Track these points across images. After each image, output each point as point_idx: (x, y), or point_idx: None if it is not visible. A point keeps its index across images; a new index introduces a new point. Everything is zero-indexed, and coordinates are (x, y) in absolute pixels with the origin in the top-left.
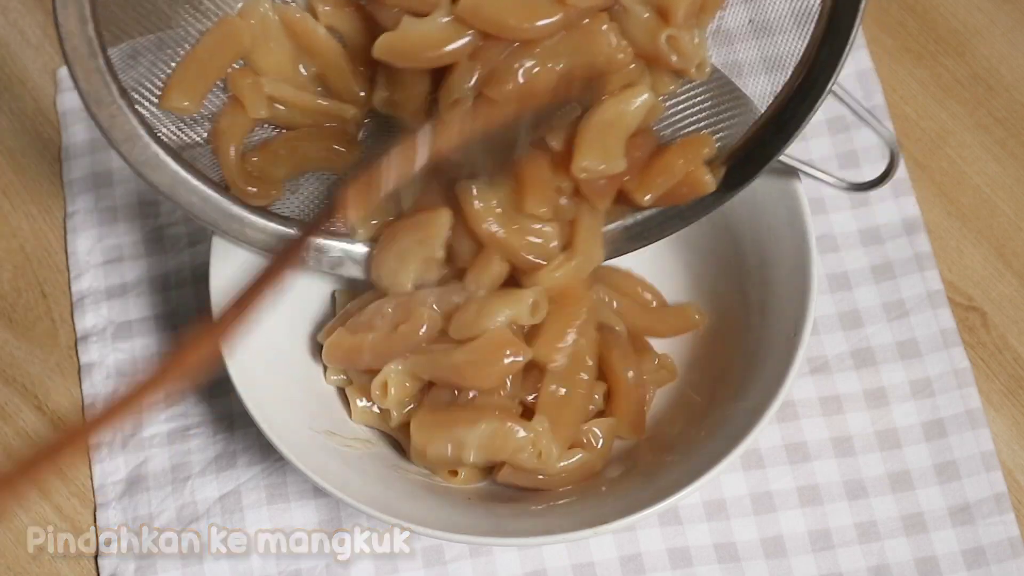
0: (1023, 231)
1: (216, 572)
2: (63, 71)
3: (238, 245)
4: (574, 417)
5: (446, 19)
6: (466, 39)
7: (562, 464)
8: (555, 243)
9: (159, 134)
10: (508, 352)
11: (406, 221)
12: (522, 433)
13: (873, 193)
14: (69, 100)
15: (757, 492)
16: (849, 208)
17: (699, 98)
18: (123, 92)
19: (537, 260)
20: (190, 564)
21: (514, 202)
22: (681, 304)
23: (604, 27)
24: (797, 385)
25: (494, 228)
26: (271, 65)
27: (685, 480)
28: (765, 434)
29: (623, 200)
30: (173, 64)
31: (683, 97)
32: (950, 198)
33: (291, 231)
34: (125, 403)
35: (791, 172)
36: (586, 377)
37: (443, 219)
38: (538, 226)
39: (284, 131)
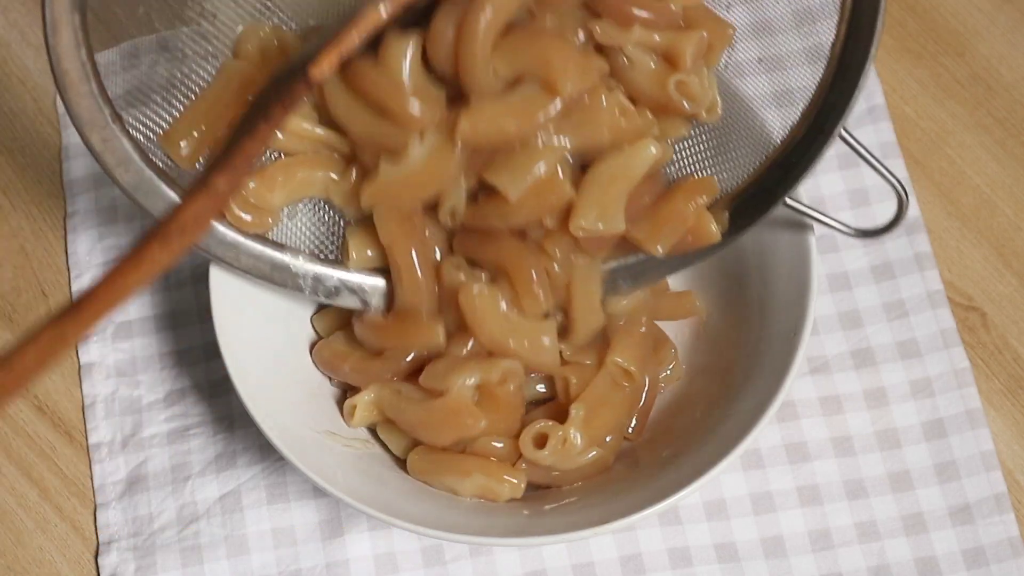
0: (1023, 231)
1: (216, 572)
2: None
3: (233, 273)
4: (606, 421)
5: (425, 148)
6: (454, 162)
7: (579, 460)
8: (552, 336)
9: (152, 157)
10: (462, 423)
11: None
12: (514, 481)
13: (873, 193)
14: None
15: (757, 492)
16: (849, 208)
17: (703, 136)
18: (116, 116)
19: (540, 361)
20: (190, 564)
21: (511, 299)
22: (682, 292)
23: (604, 101)
24: (797, 385)
25: (497, 336)
26: None
27: (685, 480)
28: (765, 434)
29: (628, 246)
30: (171, 91)
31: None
32: (950, 198)
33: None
34: (113, 283)
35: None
36: (627, 387)
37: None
38: (538, 324)
39: (281, 156)
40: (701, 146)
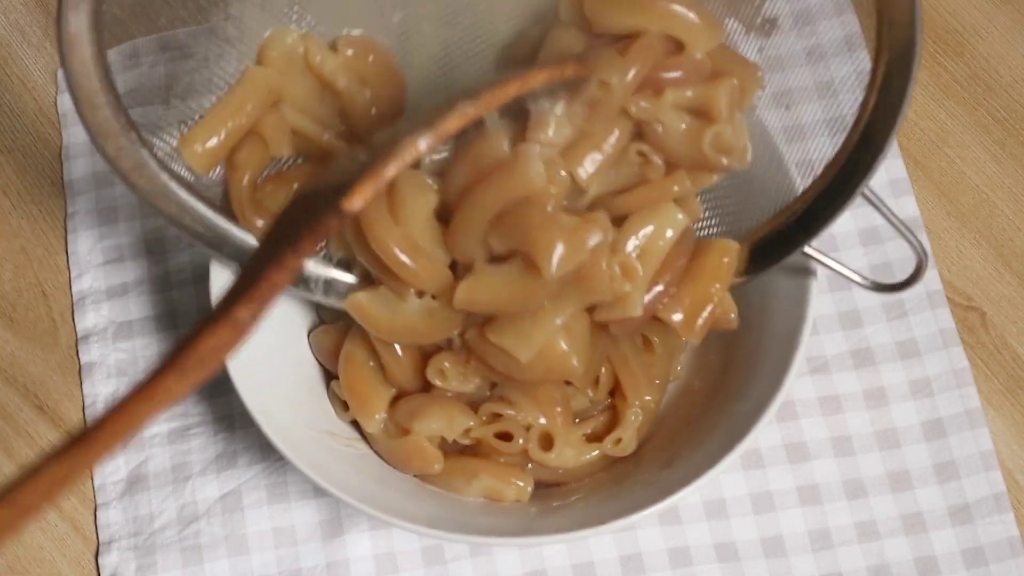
0: (1022, 231)
1: (216, 572)
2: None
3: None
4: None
5: (423, 304)
6: (451, 321)
7: (583, 458)
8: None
9: (168, 162)
10: (422, 463)
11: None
12: (521, 484)
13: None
14: (69, 100)
15: (757, 492)
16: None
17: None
18: (131, 124)
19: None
20: (190, 564)
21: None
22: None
23: (601, 268)
24: (797, 385)
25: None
26: (295, 97)
27: (685, 480)
28: (765, 434)
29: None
30: (190, 95)
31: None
32: (949, 198)
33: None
34: (125, 413)
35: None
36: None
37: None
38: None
39: (298, 160)
40: (723, 192)
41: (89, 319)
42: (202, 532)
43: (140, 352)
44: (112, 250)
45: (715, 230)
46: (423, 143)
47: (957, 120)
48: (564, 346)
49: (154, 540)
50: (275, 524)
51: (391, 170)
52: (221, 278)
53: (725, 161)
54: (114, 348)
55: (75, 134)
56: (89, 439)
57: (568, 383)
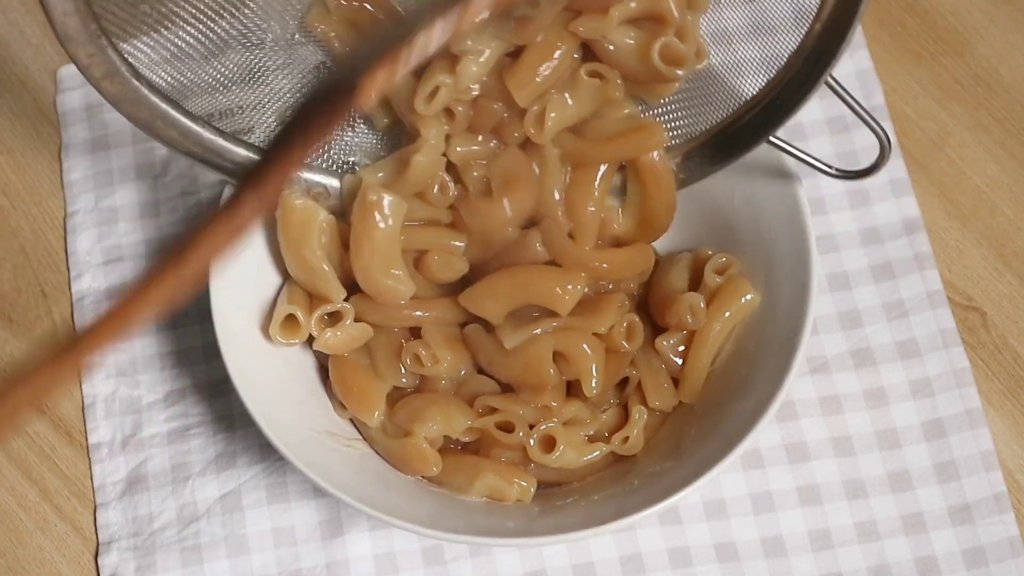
0: (1023, 231)
1: (216, 572)
2: (63, 71)
3: (221, 176)
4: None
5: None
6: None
7: (585, 459)
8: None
9: (140, 69)
10: (421, 465)
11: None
12: (524, 484)
13: (873, 193)
14: (69, 100)
15: (757, 492)
16: (849, 208)
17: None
18: (101, 31)
19: None
20: (190, 564)
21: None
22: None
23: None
24: (797, 385)
25: None
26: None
27: (685, 480)
28: (765, 434)
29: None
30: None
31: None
32: (950, 198)
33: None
34: (115, 317)
35: (791, 174)
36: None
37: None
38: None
39: None
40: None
41: (89, 319)
42: (202, 532)
43: (139, 352)
44: (111, 250)
45: (681, 123)
46: (437, 33)
47: (958, 120)
48: (546, 352)
49: (154, 540)
50: (275, 524)
51: (408, 59)
52: (221, 278)
53: (680, 72)
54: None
55: (75, 134)
56: (88, 334)
57: (580, 395)
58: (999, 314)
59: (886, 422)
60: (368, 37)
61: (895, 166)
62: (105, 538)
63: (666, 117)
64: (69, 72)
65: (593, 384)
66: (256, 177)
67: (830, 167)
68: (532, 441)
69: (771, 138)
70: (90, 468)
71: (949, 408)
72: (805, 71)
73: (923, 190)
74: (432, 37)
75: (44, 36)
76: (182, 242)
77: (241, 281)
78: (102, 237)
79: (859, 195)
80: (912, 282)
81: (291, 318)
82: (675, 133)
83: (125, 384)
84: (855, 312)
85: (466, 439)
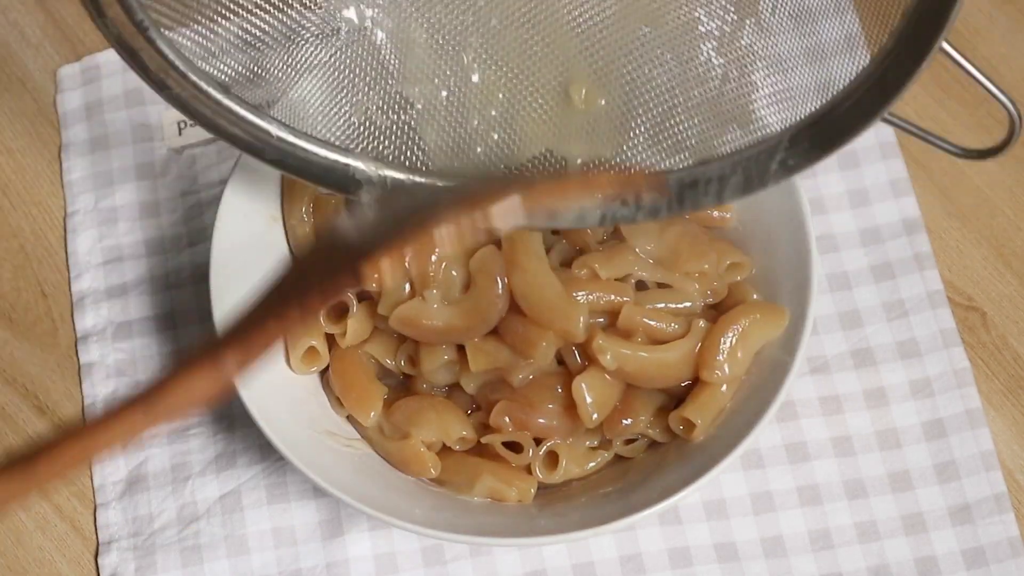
0: (1023, 231)
1: (216, 572)
2: (63, 71)
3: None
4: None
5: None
6: None
7: (590, 465)
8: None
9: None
10: (418, 467)
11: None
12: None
13: (873, 193)
14: (69, 100)
15: (757, 492)
16: (849, 208)
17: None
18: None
19: None
20: (190, 564)
21: None
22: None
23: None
24: (797, 385)
25: None
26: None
27: (685, 480)
28: (765, 434)
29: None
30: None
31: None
32: (950, 198)
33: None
34: (80, 440)
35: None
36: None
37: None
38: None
39: None
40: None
41: (88, 319)
42: (202, 532)
43: (139, 352)
44: (111, 250)
45: (779, 107)
46: (465, 221)
47: (958, 120)
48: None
49: (154, 540)
50: (275, 524)
51: (418, 243)
52: (221, 278)
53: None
54: (113, 348)
55: (75, 134)
56: (40, 460)
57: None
58: (999, 314)
59: (886, 422)
60: (391, 213)
61: (895, 166)
62: (105, 538)
63: (766, 101)
64: (69, 72)
65: (593, 417)
66: (245, 332)
67: (954, 145)
68: (537, 461)
69: (886, 115)
70: (90, 468)
71: (949, 408)
72: (916, 35)
73: (923, 190)
74: (453, 231)
75: (44, 36)
76: (158, 382)
77: (241, 281)
78: (102, 237)
79: (859, 195)
80: (912, 282)
81: (311, 349)
82: (775, 119)
83: (125, 384)
84: (855, 312)
85: (459, 448)
